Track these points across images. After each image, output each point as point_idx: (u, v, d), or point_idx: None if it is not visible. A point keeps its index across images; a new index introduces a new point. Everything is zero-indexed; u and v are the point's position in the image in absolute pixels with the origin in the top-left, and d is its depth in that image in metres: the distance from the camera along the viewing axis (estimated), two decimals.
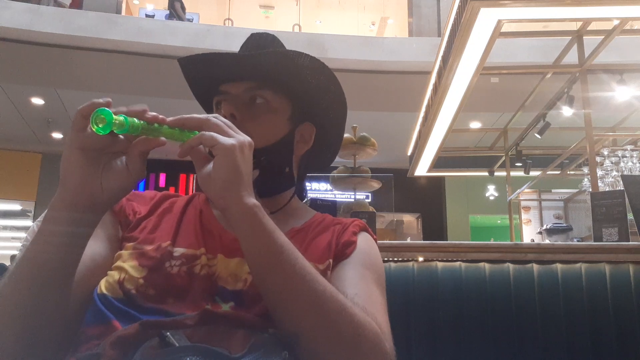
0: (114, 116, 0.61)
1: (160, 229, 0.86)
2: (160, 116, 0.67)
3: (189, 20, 7.96)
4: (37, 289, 0.67)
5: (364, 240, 0.91)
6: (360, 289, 0.80)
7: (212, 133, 0.68)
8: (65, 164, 0.66)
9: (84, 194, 0.66)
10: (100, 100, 0.62)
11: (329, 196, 5.83)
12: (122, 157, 0.69)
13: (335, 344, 0.70)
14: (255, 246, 0.70)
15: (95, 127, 0.61)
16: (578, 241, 5.22)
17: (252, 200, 0.69)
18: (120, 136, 0.66)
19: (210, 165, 0.68)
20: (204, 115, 0.70)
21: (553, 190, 7.04)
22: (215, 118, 0.70)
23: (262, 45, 0.94)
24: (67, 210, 0.66)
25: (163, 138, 0.67)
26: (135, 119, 0.64)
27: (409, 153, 6.15)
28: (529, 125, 5.26)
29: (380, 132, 4.94)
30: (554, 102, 4.54)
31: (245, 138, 0.70)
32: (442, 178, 9.34)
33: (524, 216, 6.82)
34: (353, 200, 3.29)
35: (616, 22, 3.60)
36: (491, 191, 9.50)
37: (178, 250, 0.81)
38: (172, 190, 9.42)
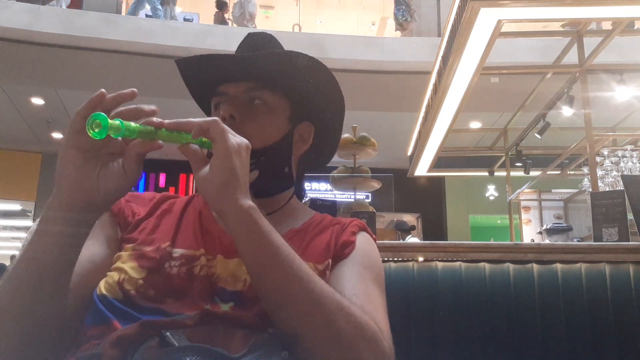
0: (110, 121, 0.61)
1: (159, 230, 0.86)
2: (158, 120, 0.67)
3: (188, 20, 7.97)
4: (34, 289, 0.67)
5: (363, 240, 0.91)
6: (359, 288, 0.80)
7: (224, 126, 0.68)
8: (62, 165, 0.66)
9: (80, 195, 0.66)
10: (95, 95, 0.62)
11: (329, 196, 5.84)
12: (119, 158, 0.69)
13: (333, 344, 0.70)
14: (252, 248, 0.70)
15: (91, 132, 0.61)
16: (578, 241, 5.22)
17: (248, 202, 0.69)
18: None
19: (208, 168, 0.68)
20: (202, 119, 0.69)
21: (553, 190, 7.04)
22: (218, 121, 0.69)
23: (259, 45, 0.94)
24: (63, 211, 0.66)
25: (160, 141, 0.67)
26: (131, 122, 0.64)
27: (409, 153, 6.15)
28: (529, 125, 5.26)
29: (380, 132, 4.94)
30: (554, 102, 4.54)
31: (242, 140, 0.70)
32: (442, 178, 9.34)
33: (524, 216, 6.82)
34: (353, 200, 3.29)
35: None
36: (491, 191, 9.50)
37: (177, 251, 0.81)
38: (172, 190, 9.40)
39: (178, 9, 8.11)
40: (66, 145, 0.65)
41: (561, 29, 4.33)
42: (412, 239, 5.79)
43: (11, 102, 7.28)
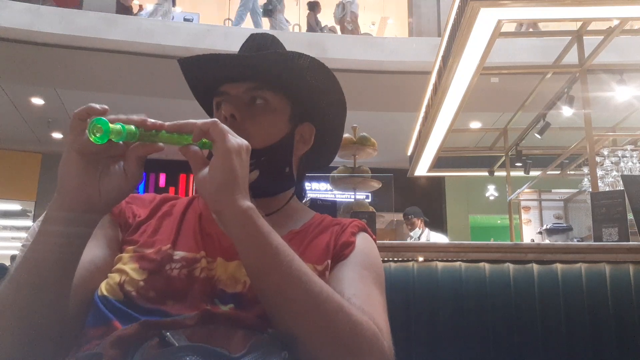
0: (111, 125, 0.61)
1: (160, 232, 0.86)
2: (158, 122, 0.67)
3: (188, 20, 7.95)
4: (36, 290, 0.67)
5: (363, 241, 0.91)
6: (358, 289, 0.80)
7: (224, 127, 0.68)
8: (63, 167, 0.66)
9: (82, 198, 0.66)
10: (97, 107, 0.63)
11: (329, 196, 5.83)
12: (120, 160, 0.69)
13: (333, 345, 0.70)
14: (250, 249, 0.70)
15: (93, 137, 0.62)
16: (578, 241, 5.22)
17: (247, 203, 0.69)
18: None
19: (207, 169, 0.68)
20: (201, 120, 0.69)
21: (553, 190, 7.03)
22: (217, 122, 0.69)
23: (261, 45, 0.94)
24: (65, 213, 0.66)
25: (161, 144, 0.68)
26: (132, 126, 0.64)
27: (409, 153, 6.15)
28: (529, 125, 5.26)
29: (380, 132, 4.93)
30: (554, 102, 4.54)
31: (242, 142, 0.70)
32: (442, 178, 9.34)
33: (524, 216, 6.81)
34: (353, 200, 3.29)
35: (616, 22, 3.60)
36: (491, 191, 9.49)
37: (178, 254, 0.82)
38: (172, 190, 9.34)
39: (178, 9, 8.10)
40: (69, 148, 0.65)
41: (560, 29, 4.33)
42: (438, 236, 5.54)
43: (11, 102, 7.27)
